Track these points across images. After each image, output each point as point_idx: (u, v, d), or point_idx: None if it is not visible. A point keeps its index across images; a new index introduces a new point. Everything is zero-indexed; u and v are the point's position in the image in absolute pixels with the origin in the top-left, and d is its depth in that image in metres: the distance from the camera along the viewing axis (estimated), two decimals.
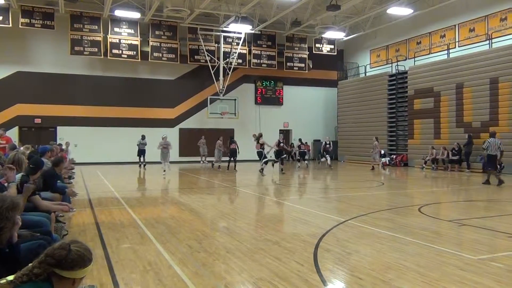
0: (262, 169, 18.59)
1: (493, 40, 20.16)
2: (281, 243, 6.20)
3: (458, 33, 22.47)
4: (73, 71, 25.00)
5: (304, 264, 5.12)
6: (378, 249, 5.88)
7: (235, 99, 27.50)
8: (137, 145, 23.07)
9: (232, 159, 20.61)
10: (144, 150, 22.90)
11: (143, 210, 9.59)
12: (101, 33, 23.86)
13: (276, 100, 30.12)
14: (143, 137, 23.09)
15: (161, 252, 5.75)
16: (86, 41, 23.58)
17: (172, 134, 26.86)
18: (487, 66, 19.36)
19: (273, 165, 21.28)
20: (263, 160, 18.70)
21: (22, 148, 10.64)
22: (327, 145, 22.52)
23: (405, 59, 25.59)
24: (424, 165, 21.20)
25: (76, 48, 23.45)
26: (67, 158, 15.58)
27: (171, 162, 23.10)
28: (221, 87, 26.76)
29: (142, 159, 22.92)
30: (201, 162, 25.14)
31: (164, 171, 18.26)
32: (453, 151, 20.11)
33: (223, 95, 27.02)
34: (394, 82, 25.21)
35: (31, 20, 22.31)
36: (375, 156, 21.66)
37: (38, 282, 2.03)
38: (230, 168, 20.55)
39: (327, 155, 22.33)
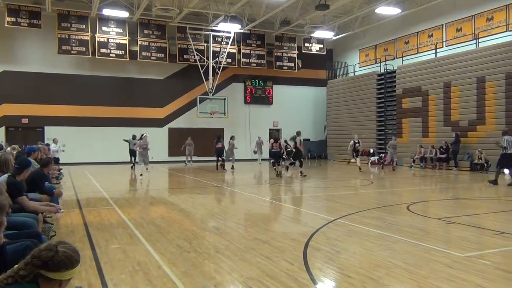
0: (280, 171, 17.01)
1: (480, 40, 20.39)
2: (271, 242, 6.21)
3: (446, 32, 22.69)
4: (61, 70, 24.75)
5: (294, 263, 5.13)
6: (367, 247, 5.92)
7: (224, 99, 27.46)
8: (129, 145, 22.16)
9: (219, 158, 20.32)
10: (136, 150, 22.45)
11: (132, 210, 9.53)
12: (89, 32, 23.66)
13: (265, 100, 30.15)
14: (134, 137, 22.69)
15: (150, 252, 5.72)
16: (73, 40, 23.36)
17: (162, 134, 26.81)
18: (474, 66, 19.58)
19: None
20: (288, 163, 17.92)
21: (8, 148, 10.51)
22: (357, 144, 19.59)
23: (394, 59, 25.78)
24: (412, 164, 21.38)
25: (64, 48, 23.22)
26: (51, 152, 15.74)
27: (160, 162, 23.04)
28: (210, 87, 26.70)
29: (134, 160, 22.24)
30: (186, 163, 24.29)
31: (141, 174, 16.47)
32: (441, 149, 20.31)
33: (213, 95, 26.96)
34: (383, 81, 25.38)
35: (18, 19, 22.02)
36: (393, 155, 21.11)
37: (24, 284, 2.00)
38: (218, 168, 20.30)
39: (357, 157, 19.57)
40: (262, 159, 25.30)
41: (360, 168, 19.20)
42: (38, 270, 2.01)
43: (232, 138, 21.62)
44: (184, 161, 24.48)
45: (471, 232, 6.86)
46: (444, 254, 5.48)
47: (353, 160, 20.23)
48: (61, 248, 2.07)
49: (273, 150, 17.26)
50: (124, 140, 22.01)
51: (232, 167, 20.63)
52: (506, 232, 6.78)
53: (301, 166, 16.92)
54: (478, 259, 5.25)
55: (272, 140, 17.52)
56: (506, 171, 15.50)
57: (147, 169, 17.25)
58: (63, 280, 2.08)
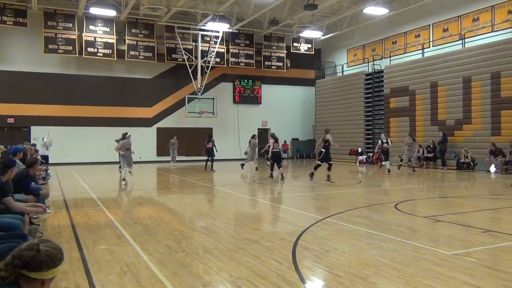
0: (312, 173, 15.11)
1: (466, 40, 20.63)
2: (260, 241, 6.21)
3: (432, 33, 22.92)
4: (47, 69, 24.48)
5: (283, 262, 5.13)
6: (355, 246, 5.95)
7: (213, 98, 27.40)
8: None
9: (209, 158, 20.08)
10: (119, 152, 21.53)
11: (120, 210, 9.47)
12: (76, 31, 23.42)
13: (254, 99, 30.16)
14: (124, 136, 21.84)
15: (138, 253, 5.69)
16: (60, 39, 23.11)
17: (150, 134, 26.67)
18: (460, 65, 19.81)
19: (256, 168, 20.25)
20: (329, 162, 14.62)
21: None
22: (385, 143, 17.47)
23: (381, 58, 25.96)
24: (399, 162, 21.53)
25: (50, 46, 22.97)
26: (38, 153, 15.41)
27: (148, 162, 22.86)
28: (199, 86, 26.63)
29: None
30: (172, 163, 23.59)
31: (124, 179, 14.47)
32: (428, 148, 20.51)
33: (201, 94, 26.89)
34: (371, 81, 25.55)
35: (3, 17, 21.71)
36: (411, 154, 19.48)
37: (5, 285, 1.95)
38: (207, 168, 20.17)
39: (386, 160, 17.66)
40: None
41: (389, 171, 17.21)
42: (20, 271, 1.96)
43: (253, 137, 20.48)
44: (170, 161, 24.12)
45: (457, 230, 6.94)
46: (431, 252, 5.53)
47: (383, 163, 18.00)
48: (43, 247, 2.01)
49: (274, 150, 15.73)
50: (116, 140, 21.54)
51: (256, 168, 20.05)
52: (492, 230, 6.88)
53: (329, 169, 14.52)
54: (464, 256, 5.31)
55: (272, 140, 15.85)
56: None
57: (130, 172, 15.06)
58: (45, 279, 2.02)
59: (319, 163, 14.84)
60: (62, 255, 2.06)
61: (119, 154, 14.71)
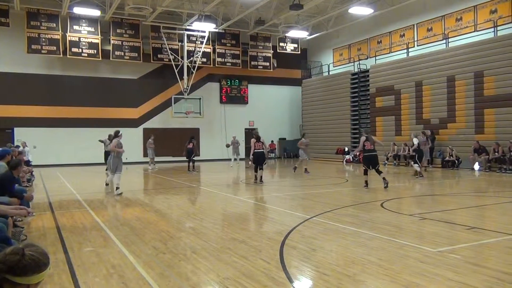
0: (261, 177, 14.42)
1: (450, 40, 20.90)
2: (248, 241, 6.21)
3: (417, 32, 23.16)
4: (31, 70, 24.14)
5: (271, 262, 5.14)
6: (342, 244, 5.99)
7: (200, 98, 27.32)
8: (104, 146, 19.30)
9: (190, 159, 19.61)
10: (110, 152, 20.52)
11: (106, 212, 9.38)
12: (60, 31, 23.15)
13: (241, 99, 30.14)
14: (110, 138, 20.64)
15: (125, 254, 5.64)
16: (44, 39, 22.81)
17: (136, 134, 26.47)
18: (444, 65, 20.07)
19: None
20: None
21: None
22: (429, 137, 15.64)
23: (367, 58, 26.16)
24: (386, 161, 21.72)
25: (34, 47, 22.65)
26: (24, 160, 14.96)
27: (134, 163, 22.65)
28: (185, 86, 26.52)
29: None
30: (150, 166, 22.33)
31: (118, 188, 12.03)
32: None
33: (188, 94, 26.78)
34: (357, 80, 25.73)
35: None
36: (426, 153, 17.60)
37: None
38: (190, 169, 19.62)
39: (415, 163, 15.80)
40: (240, 159, 24.63)
41: (420, 173, 15.46)
42: (4, 275, 1.93)
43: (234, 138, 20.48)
44: (170, 160, 23.37)
45: (442, 227, 7.02)
46: (416, 249, 5.59)
47: (415, 165, 15.71)
48: (28, 252, 1.98)
49: (256, 150, 14.22)
50: (100, 140, 20.92)
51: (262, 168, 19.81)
52: (476, 227, 6.97)
53: (380, 175, 12.62)
54: (449, 253, 5.38)
55: (253, 139, 14.33)
56: None
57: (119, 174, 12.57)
58: (30, 285, 2.00)
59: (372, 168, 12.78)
60: (47, 259, 2.03)
61: (111, 155, 12.45)
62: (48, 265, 2.02)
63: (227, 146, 23.69)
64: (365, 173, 12.79)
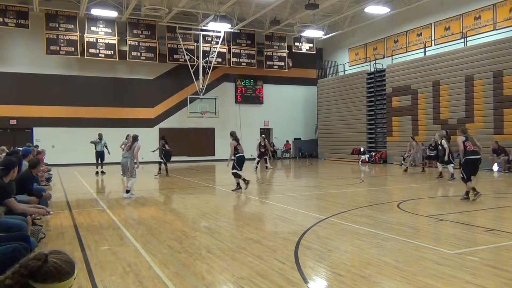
0: (248, 183, 12.85)
1: (468, 39, 20.57)
2: (262, 241, 6.21)
3: (434, 31, 22.87)
4: (49, 71, 24.53)
5: (285, 262, 5.13)
6: (357, 245, 5.95)
7: (215, 98, 27.42)
8: (95, 146, 19.31)
9: (164, 161, 18.38)
10: (103, 152, 19.22)
11: (123, 211, 9.48)
12: (78, 32, 23.45)
13: (256, 99, 30.15)
14: (101, 137, 19.40)
15: (141, 253, 5.70)
16: (62, 41, 23.15)
17: (152, 134, 26.66)
18: (462, 64, 19.76)
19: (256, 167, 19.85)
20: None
21: None
22: (477, 140, 11.70)
23: (383, 57, 25.92)
24: (402, 162, 21.47)
25: (52, 48, 23.00)
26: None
27: (150, 163, 22.82)
28: (200, 86, 26.65)
29: (102, 162, 19.26)
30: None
31: (128, 191, 11.56)
32: (430, 147, 20.43)
33: (203, 94, 26.90)
34: (373, 80, 25.51)
35: (5, 19, 21.75)
36: (415, 156, 19.39)
37: None
38: (168, 173, 18.39)
39: (448, 164, 14.88)
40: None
41: (452, 175, 14.59)
42: (26, 280, 1.92)
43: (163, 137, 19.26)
44: (181, 160, 22.00)
45: (460, 229, 6.92)
46: (433, 251, 5.52)
47: (450, 166, 14.86)
48: (52, 258, 1.94)
49: (239, 154, 12.57)
50: (91, 142, 19.42)
51: (267, 168, 19.85)
52: (495, 229, 6.86)
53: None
54: (467, 256, 5.30)
55: (234, 142, 12.58)
56: None
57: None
58: None
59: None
60: (72, 268, 1.93)
61: (128, 159, 11.76)
62: (72, 274, 1.95)
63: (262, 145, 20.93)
64: (469, 180, 10.04)
